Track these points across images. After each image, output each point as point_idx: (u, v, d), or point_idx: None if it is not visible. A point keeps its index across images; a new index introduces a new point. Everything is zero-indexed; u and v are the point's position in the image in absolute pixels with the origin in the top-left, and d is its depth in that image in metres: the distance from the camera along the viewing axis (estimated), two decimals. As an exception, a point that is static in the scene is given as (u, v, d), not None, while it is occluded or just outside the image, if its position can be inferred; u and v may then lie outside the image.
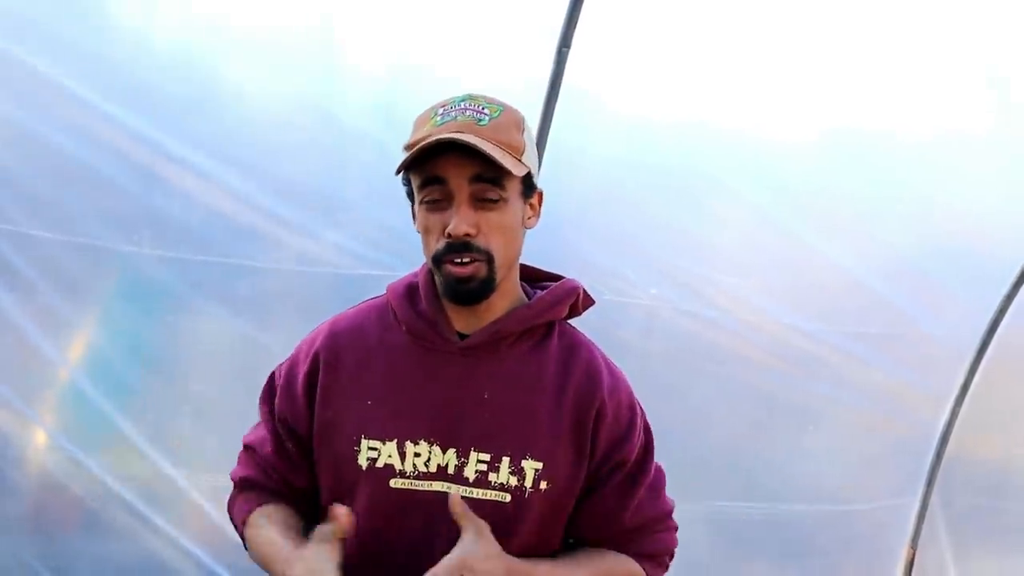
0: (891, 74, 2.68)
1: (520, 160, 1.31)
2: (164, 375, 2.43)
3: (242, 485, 1.44)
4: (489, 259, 1.29)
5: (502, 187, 1.29)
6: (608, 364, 1.41)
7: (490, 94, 1.34)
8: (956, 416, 3.24)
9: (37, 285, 2.27)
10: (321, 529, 1.25)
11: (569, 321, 1.43)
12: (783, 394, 3.04)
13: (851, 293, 3.00)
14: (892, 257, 2.99)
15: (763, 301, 2.91)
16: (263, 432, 1.42)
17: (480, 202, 1.29)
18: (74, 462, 2.39)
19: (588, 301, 1.43)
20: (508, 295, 1.36)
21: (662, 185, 2.70)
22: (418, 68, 2.34)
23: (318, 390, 1.36)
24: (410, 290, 1.39)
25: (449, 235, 1.28)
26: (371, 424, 1.32)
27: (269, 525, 1.36)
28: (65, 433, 2.40)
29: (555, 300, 1.38)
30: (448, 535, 1.29)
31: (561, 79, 2.39)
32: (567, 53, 2.37)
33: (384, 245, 2.43)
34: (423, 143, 1.26)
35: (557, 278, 1.44)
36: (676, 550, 1.47)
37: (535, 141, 1.38)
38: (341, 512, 1.24)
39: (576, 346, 1.39)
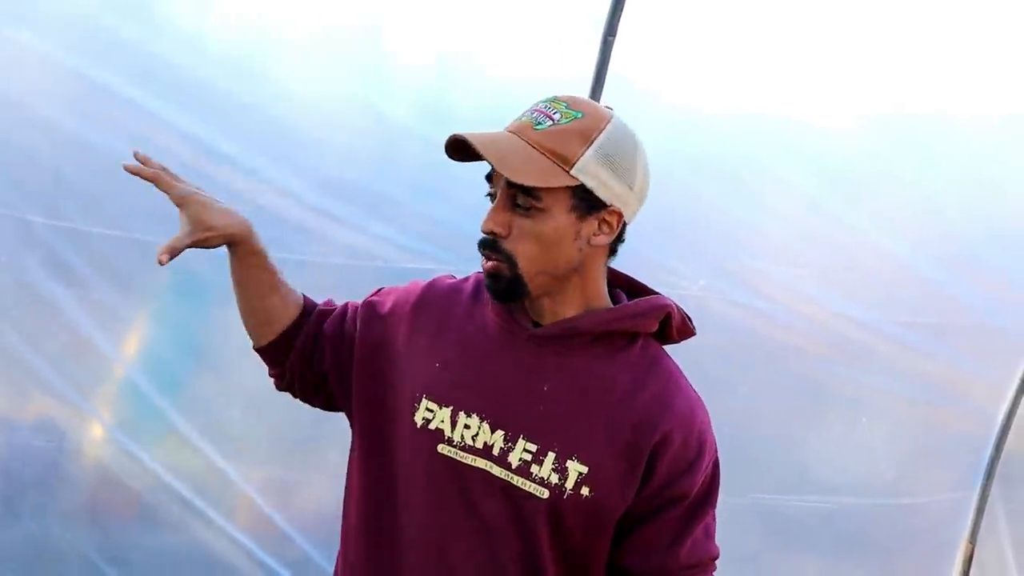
0: (943, 54, 2.60)
1: (568, 171, 1.26)
2: (215, 369, 2.46)
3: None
4: (511, 261, 1.27)
5: (534, 196, 1.26)
6: (688, 393, 1.35)
7: (568, 93, 1.31)
8: (1017, 407, 3.16)
9: (92, 281, 2.31)
10: None
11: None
12: (836, 385, 2.98)
13: (905, 281, 2.94)
14: (948, 243, 2.92)
15: (815, 290, 2.86)
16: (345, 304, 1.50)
17: (516, 208, 1.28)
18: (129, 455, 2.43)
19: (686, 330, 1.38)
20: (580, 301, 1.33)
21: (711, 175, 2.66)
22: (463, 63, 2.33)
23: (401, 336, 1.39)
24: None
25: (481, 230, 1.29)
26: (435, 386, 1.33)
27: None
28: (120, 426, 2.45)
29: (638, 312, 1.34)
30: (483, 514, 1.30)
31: (607, 69, 2.36)
32: (612, 42, 2.34)
33: (431, 238, 2.43)
34: (447, 140, 1.26)
35: (652, 294, 1.40)
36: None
37: (622, 158, 1.30)
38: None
39: (657, 365, 1.35)
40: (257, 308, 1.48)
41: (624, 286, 1.40)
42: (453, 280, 1.45)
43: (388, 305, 1.44)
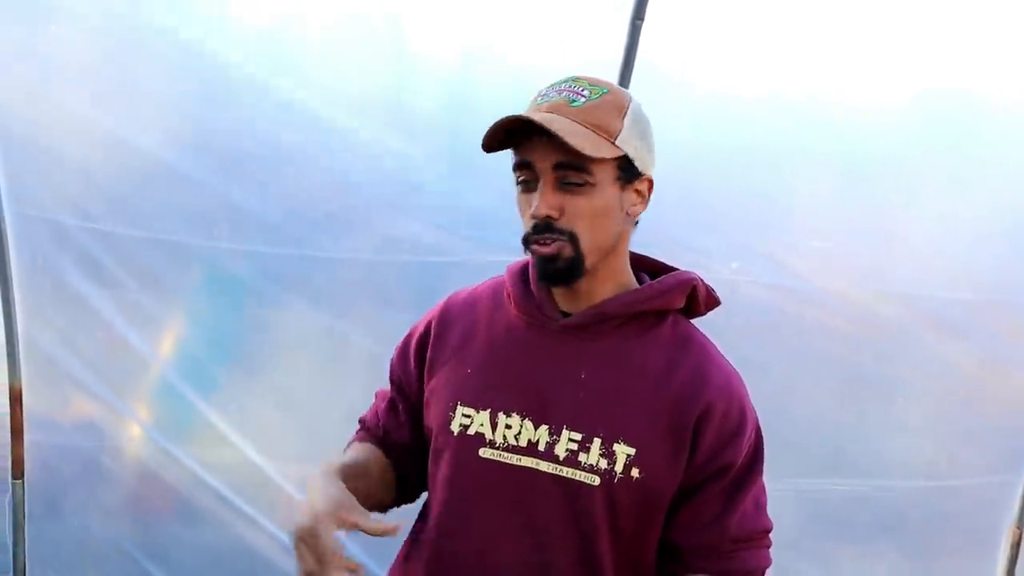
0: (975, 30, 2.54)
1: (613, 143, 1.28)
2: (247, 367, 2.47)
3: (359, 425, 1.52)
4: (573, 239, 1.27)
5: (587, 171, 1.27)
6: (724, 365, 1.36)
7: (591, 74, 1.32)
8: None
9: (125, 282, 2.33)
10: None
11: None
12: (871, 364, 2.94)
13: (941, 258, 2.88)
14: (984, 221, 2.86)
15: (849, 270, 2.82)
16: (389, 387, 1.50)
17: (566, 185, 1.27)
18: (166, 453, 2.46)
19: (711, 301, 1.40)
20: (612, 280, 1.34)
21: (742, 158, 2.62)
22: (487, 53, 2.32)
23: (427, 359, 1.40)
24: (524, 270, 1.41)
25: (533, 216, 1.27)
26: (467, 391, 1.34)
27: (346, 453, 1.42)
28: (156, 424, 2.47)
29: (665, 289, 1.35)
30: (531, 512, 1.29)
31: (635, 53, 2.33)
32: (640, 26, 2.31)
33: (459, 231, 2.42)
34: (493, 125, 1.25)
35: (676, 271, 1.41)
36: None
37: (646, 126, 1.35)
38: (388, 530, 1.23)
39: (689, 340, 1.36)
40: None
41: (645, 266, 1.41)
42: (466, 291, 1.46)
43: (406, 349, 1.46)
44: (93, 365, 2.36)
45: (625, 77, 2.36)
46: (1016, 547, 3.20)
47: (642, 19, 2.29)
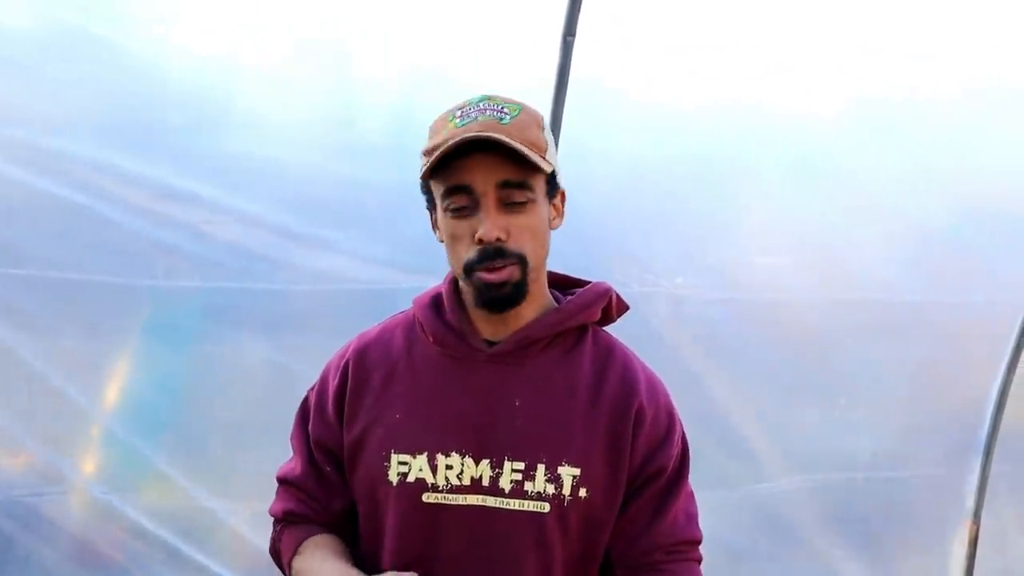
0: (908, 35, 2.62)
1: (544, 158, 1.26)
2: (192, 407, 2.40)
3: (285, 520, 1.39)
4: (522, 261, 1.25)
5: (529, 188, 1.25)
6: (645, 369, 1.36)
7: (504, 93, 1.29)
8: (1009, 384, 3.17)
9: (56, 327, 2.25)
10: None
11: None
12: (814, 370, 2.98)
13: (882, 264, 2.95)
14: (925, 224, 2.94)
15: (792, 280, 2.87)
16: (298, 462, 1.38)
17: (508, 205, 1.24)
18: (109, 503, 2.37)
19: (622, 307, 1.39)
20: (536, 301, 1.32)
21: (683, 171, 2.66)
22: (429, 74, 2.30)
23: (346, 409, 1.32)
24: (435, 301, 1.35)
25: (480, 241, 1.23)
26: (400, 437, 1.28)
27: (325, 555, 1.31)
28: (98, 474, 2.38)
29: (585, 303, 1.34)
30: (487, 551, 1.26)
31: (569, 69, 2.35)
32: (572, 42, 2.33)
33: (402, 256, 2.39)
34: (448, 144, 1.21)
35: (586, 284, 1.40)
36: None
37: (552, 139, 1.34)
38: None
39: (611, 350, 1.35)
40: None
41: (552, 282, 1.38)
42: (374, 331, 1.40)
43: (323, 405, 1.36)
44: (26, 417, 2.27)
45: (560, 93, 2.37)
46: (974, 543, 3.25)
47: (573, 35, 2.31)
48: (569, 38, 2.33)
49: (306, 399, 1.40)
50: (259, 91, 2.25)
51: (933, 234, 2.95)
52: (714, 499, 1.42)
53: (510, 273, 1.24)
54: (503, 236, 1.23)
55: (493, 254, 1.23)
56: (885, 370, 3.04)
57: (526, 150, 1.22)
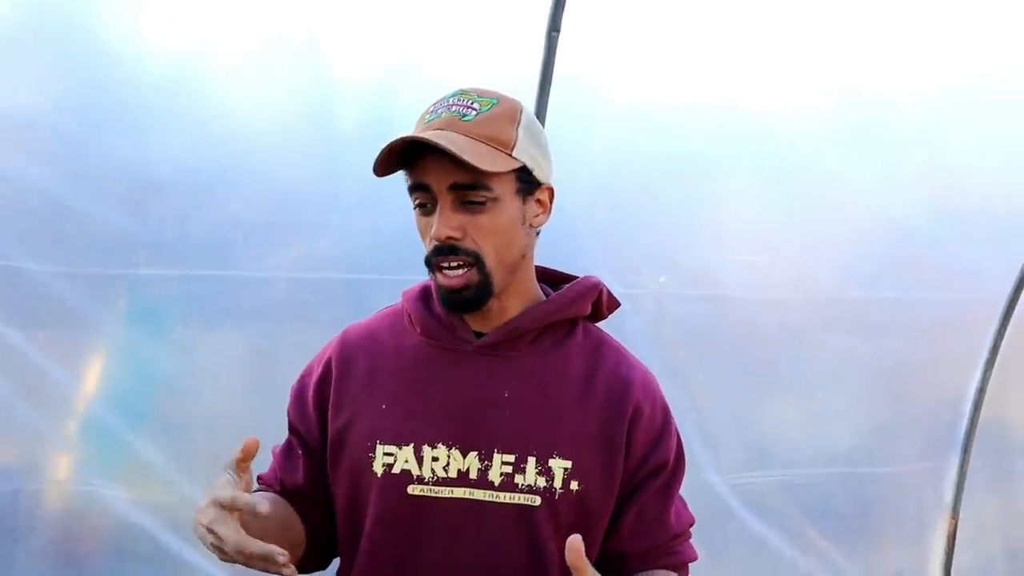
0: (886, 34, 2.64)
1: (510, 155, 1.25)
2: (175, 396, 2.39)
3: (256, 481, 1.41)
4: (478, 261, 1.24)
5: (486, 187, 1.23)
6: (638, 365, 1.36)
7: (486, 87, 1.29)
8: (988, 380, 3.20)
9: (39, 319, 2.24)
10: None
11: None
12: (792, 366, 3.00)
13: (862, 261, 2.97)
14: (902, 222, 2.96)
15: (772, 277, 2.88)
16: (286, 439, 1.41)
17: (466, 204, 1.24)
18: (92, 494, 2.37)
19: (612, 303, 1.40)
20: (522, 295, 1.32)
21: (664, 170, 2.67)
22: (409, 71, 2.30)
23: (331, 399, 1.32)
24: (424, 293, 1.36)
25: (435, 239, 1.24)
26: (385, 428, 1.28)
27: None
28: (81, 464, 2.38)
29: (575, 296, 1.34)
30: (474, 545, 1.25)
31: (553, 65, 2.35)
32: (557, 37, 2.33)
33: (377, 248, 2.39)
34: (387, 144, 1.22)
35: (576, 279, 1.40)
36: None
37: (540, 134, 1.32)
38: (248, 441, 1.18)
39: (603, 344, 1.35)
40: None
41: (543, 276, 1.39)
42: (362, 324, 1.40)
43: (302, 394, 1.37)
44: (11, 408, 2.26)
45: (544, 89, 2.38)
46: (952, 537, 3.28)
47: (558, 31, 2.31)
48: (554, 33, 2.32)
49: (302, 379, 1.40)
50: (235, 84, 2.25)
51: (909, 232, 2.98)
52: (691, 494, 1.43)
53: (468, 277, 1.24)
54: (456, 235, 1.23)
55: (446, 251, 1.24)
56: (863, 367, 3.06)
57: (473, 152, 1.20)
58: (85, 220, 2.18)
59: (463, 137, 1.21)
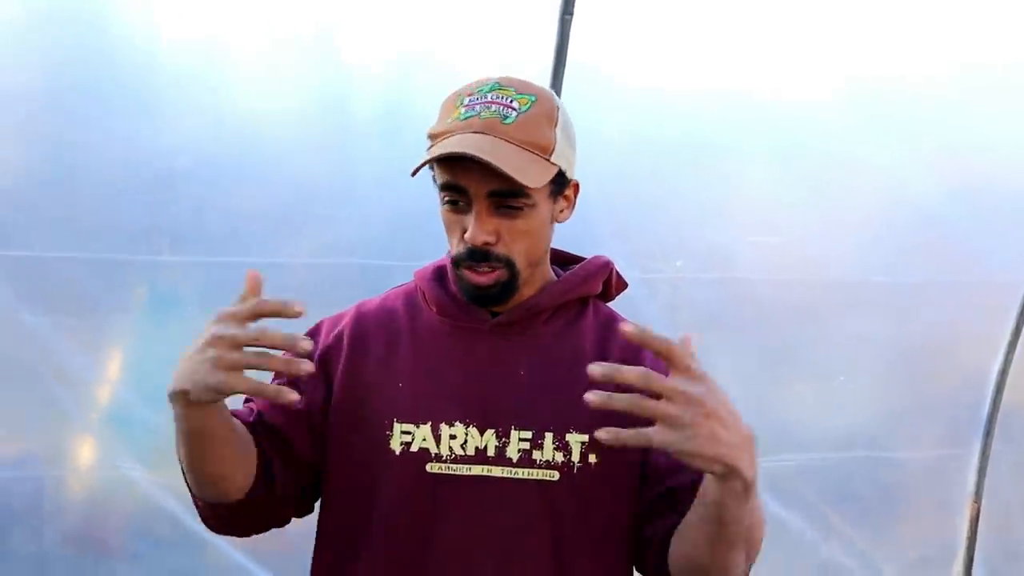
0: (898, 16, 2.62)
1: (549, 160, 1.24)
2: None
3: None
4: (510, 265, 1.25)
5: (526, 195, 1.22)
6: None
7: (519, 74, 1.27)
8: (1010, 363, 3.16)
9: (61, 306, 2.28)
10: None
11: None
12: (811, 350, 2.99)
13: (878, 244, 2.95)
14: (917, 203, 2.94)
15: (790, 261, 2.87)
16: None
17: (502, 209, 1.23)
18: (118, 479, 2.40)
19: (621, 284, 1.40)
20: (536, 283, 1.32)
21: (678, 156, 2.67)
22: (422, 57, 2.32)
23: (339, 374, 1.31)
24: (439, 273, 1.36)
25: (469, 243, 1.23)
26: (402, 407, 1.27)
27: None
28: (109, 448, 2.41)
29: (587, 275, 1.35)
30: (493, 521, 1.25)
31: (566, 49, 2.34)
32: (570, 21, 2.32)
33: (394, 234, 2.41)
34: (436, 151, 1.20)
35: (583, 260, 1.40)
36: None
37: (572, 130, 1.30)
38: (251, 274, 1.09)
39: (613, 320, 1.35)
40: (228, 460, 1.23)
41: (552, 258, 1.38)
42: (375, 301, 1.38)
43: (316, 356, 1.31)
44: (32, 394, 2.31)
45: (557, 74, 2.37)
46: (975, 521, 3.26)
47: (571, 14, 2.31)
48: (567, 17, 2.32)
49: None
50: (250, 75, 2.27)
51: (929, 214, 2.95)
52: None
53: (497, 277, 1.24)
54: (491, 240, 1.22)
55: (479, 257, 1.23)
56: (883, 350, 3.04)
57: (518, 165, 1.18)
58: (107, 209, 2.22)
59: (506, 145, 1.20)
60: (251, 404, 1.33)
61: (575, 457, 1.26)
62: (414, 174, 1.24)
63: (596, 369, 1.00)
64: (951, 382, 3.24)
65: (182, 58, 2.23)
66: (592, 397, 1.00)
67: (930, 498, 3.30)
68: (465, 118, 1.22)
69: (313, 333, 1.36)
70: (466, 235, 1.22)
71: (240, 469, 1.23)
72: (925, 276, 3.02)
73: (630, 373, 0.99)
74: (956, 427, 3.25)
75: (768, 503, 2.96)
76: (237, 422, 1.22)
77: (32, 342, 2.26)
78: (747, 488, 1.05)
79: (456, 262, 1.26)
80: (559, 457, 1.26)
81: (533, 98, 1.25)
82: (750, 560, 1.18)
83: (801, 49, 2.60)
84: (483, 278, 1.24)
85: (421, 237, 2.34)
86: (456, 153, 1.18)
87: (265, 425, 1.30)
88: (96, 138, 2.19)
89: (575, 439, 1.26)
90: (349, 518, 1.31)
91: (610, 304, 1.40)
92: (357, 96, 2.37)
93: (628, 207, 2.65)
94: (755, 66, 2.59)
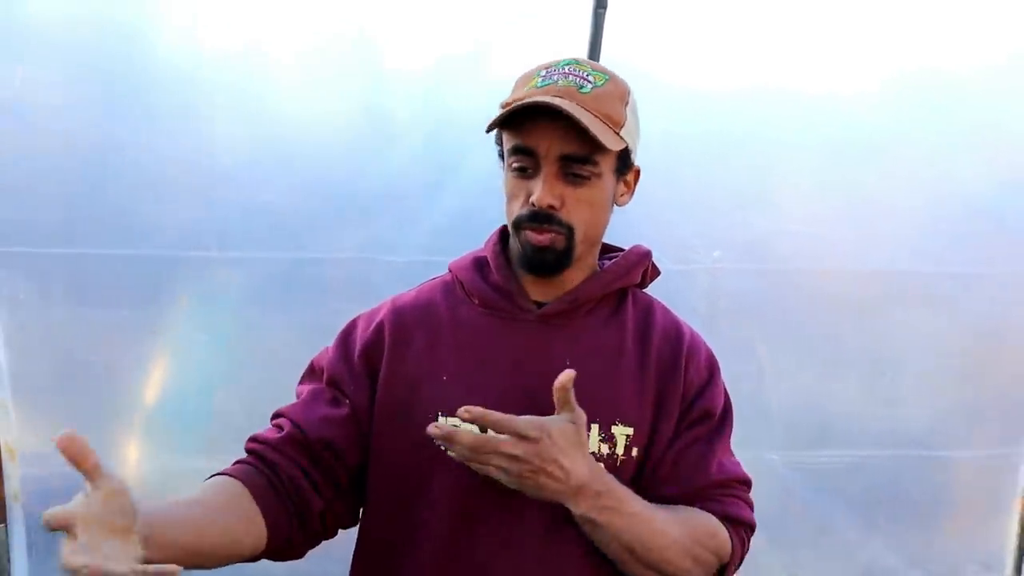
0: (940, 8, 2.58)
1: (619, 134, 1.26)
2: (246, 375, 2.47)
3: (250, 445, 1.34)
4: (569, 233, 1.26)
5: (594, 163, 1.25)
6: (684, 323, 1.38)
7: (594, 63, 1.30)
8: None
9: (111, 300, 2.35)
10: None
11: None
12: (856, 342, 2.94)
13: (924, 235, 2.90)
14: (966, 193, 2.88)
15: (832, 251, 2.84)
16: (301, 399, 1.34)
17: (569, 175, 1.25)
18: (168, 471, 2.46)
19: (655, 272, 1.42)
20: (586, 269, 1.34)
21: (716, 151, 2.66)
22: (459, 58, 2.34)
23: (383, 369, 1.31)
24: (478, 263, 1.36)
25: (533, 204, 1.24)
26: (449, 400, 1.27)
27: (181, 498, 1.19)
28: (155, 443, 2.47)
29: (629, 265, 1.37)
30: (538, 513, 1.26)
31: (600, 42, 2.35)
32: (603, 14, 2.33)
33: (435, 231, 2.43)
34: (516, 103, 1.22)
35: (621, 250, 1.42)
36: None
37: (638, 116, 1.33)
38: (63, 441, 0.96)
39: (651, 309, 1.37)
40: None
41: None
42: (410, 295, 1.39)
43: (347, 348, 1.33)
44: (85, 390, 2.37)
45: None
46: (1026, 519, 3.18)
47: (604, 7, 2.31)
48: (600, 10, 2.33)
49: (346, 335, 1.36)
50: (292, 79, 2.32)
51: (978, 205, 2.90)
52: (750, 472, 1.42)
53: (554, 239, 1.26)
54: (556, 204, 1.24)
55: (543, 218, 1.25)
56: (933, 344, 2.99)
57: (594, 127, 1.20)
58: (157, 208, 2.28)
59: (582, 110, 1.22)
60: (280, 420, 1.32)
61: (619, 450, 1.27)
62: (489, 130, 1.26)
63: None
64: (1002, 378, 3.17)
65: (227, 67, 2.29)
66: (433, 430, 1.10)
67: (980, 498, 3.23)
68: (542, 85, 1.25)
69: (349, 330, 1.38)
70: (532, 197, 1.23)
71: (236, 541, 1.20)
72: (975, 268, 2.96)
73: (465, 437, 1.11)
74: (1010, 425, 3.18)
75: (810, 500, 2.94)
76: (209, 499, 1.17)
77: (88, 337, 2.33)
78: (584, 521, 1.18)
79: (516, 223, 1.27)
80: (604, 449, 1.27)
81: (607, 77, 1.28)
82: (707, 566, 1.26)
83: (841, 44, 2.57)
84: (543, 236, 1.25)
85: (459, 236, 2.39)
86: (539, 103, 1.20)
87: (307, 442, 1.29)
88: (147, 143, 2.27)
89: (620, 431, 1.28)
90: (395, 507, 1.32)
91: (683, 309, 1.43)
92: (395, 96, 2.39)
93: (666, 201, 2.65)
94: (797, 60, 2.57)
